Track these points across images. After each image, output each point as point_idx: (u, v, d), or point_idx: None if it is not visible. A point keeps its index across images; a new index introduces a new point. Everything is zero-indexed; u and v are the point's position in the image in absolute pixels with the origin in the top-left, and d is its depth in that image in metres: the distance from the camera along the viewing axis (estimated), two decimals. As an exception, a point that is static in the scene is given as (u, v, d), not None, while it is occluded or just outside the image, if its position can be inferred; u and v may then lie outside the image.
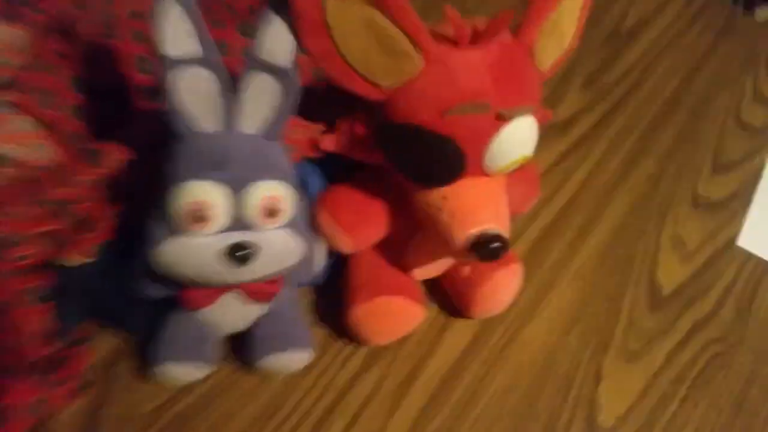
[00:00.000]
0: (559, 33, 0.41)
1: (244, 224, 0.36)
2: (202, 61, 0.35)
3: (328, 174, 0.46)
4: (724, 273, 0.58)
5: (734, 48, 0.74)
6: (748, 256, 0.59)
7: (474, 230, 0.39)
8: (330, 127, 0.43)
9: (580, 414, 0.49)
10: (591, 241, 0.57)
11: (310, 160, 0.45)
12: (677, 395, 0.51)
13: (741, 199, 0.63)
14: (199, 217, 0.35)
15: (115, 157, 0.42)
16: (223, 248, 0.36)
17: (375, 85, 0.38)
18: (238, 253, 0.36)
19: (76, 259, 0.43)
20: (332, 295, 0.48)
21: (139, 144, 0.43)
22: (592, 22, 0.72)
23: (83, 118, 0.44)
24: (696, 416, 0.50)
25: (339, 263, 0.49)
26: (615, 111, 0.66)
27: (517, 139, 0.39)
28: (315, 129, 0.44)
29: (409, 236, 0.46)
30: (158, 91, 0.35)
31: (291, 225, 0.38)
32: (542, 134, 0.62)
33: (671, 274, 0.57)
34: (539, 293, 0.54)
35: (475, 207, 0.40)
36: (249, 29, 0.49)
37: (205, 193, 0.35)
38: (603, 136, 0.64)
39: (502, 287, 0.49)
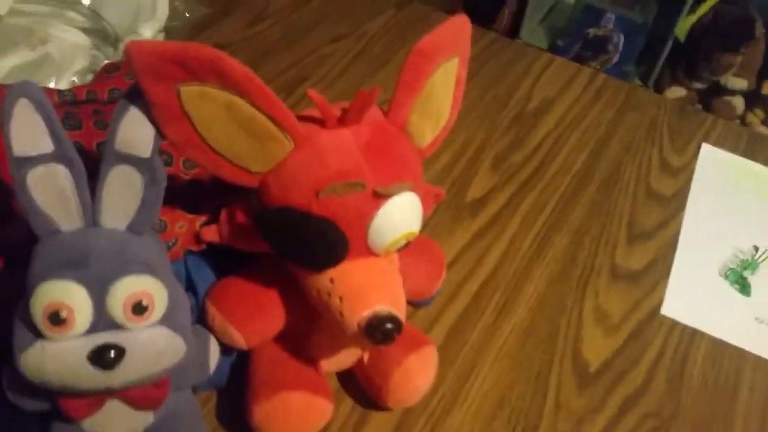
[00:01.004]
0: (433, 111, 0.41)
1: (111, 324, 0.34)
2: (54, 158, 0.34)
3: (220, 267, 0.44)
4: (651, 343, 0.56)
5: (637, 121, 0.76)
6: (674, 324, 0.58)
7: (365, 313, 0.37)
8: (213, 218, 0.42)
9: (512, 508, 0.45)
10: (511, 320, 0.55)
11: (198, 254, 0.43)
12: (615, 477, 0.48)
13: (660, 267, 0.62)
14: (57, 319, 0.32)
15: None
16: (86, 352, 0.33)
17: (245, 170, 0.37)
18: (103, 356, 0.33)
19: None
20: (237, 398, 0.45)
21: (14, 250, 0.41)
22: (497, 106, 0.75)
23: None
24: (637, 499, 0.47)
25: (242, 363, 0.46)
26: (525, 188, 0.66)
27: (399, 216, 0.38)
28: (197, 221, 0.42)
29: (310, 326, 0.43)
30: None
31: (167, 322, 0.36)
32: (454, 215, 0.63)
33: (597, 348, 0.55)
34: (461, 378, 0.51)
35: (364, 288, 0.38)
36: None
37: (61, 294, 0.33)
38: (515, 214, 0.63)
39: (415, 373, 0.46)
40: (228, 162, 0.36)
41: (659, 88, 1.36)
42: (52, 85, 0.55)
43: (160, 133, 0.35)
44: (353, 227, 0.37)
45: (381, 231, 0.37)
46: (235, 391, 0.46)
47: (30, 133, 0.33)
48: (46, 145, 0.34)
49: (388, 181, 0.37)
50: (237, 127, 0.35)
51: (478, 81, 0.77)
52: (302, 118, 0.37)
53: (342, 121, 0.37)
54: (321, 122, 0.37)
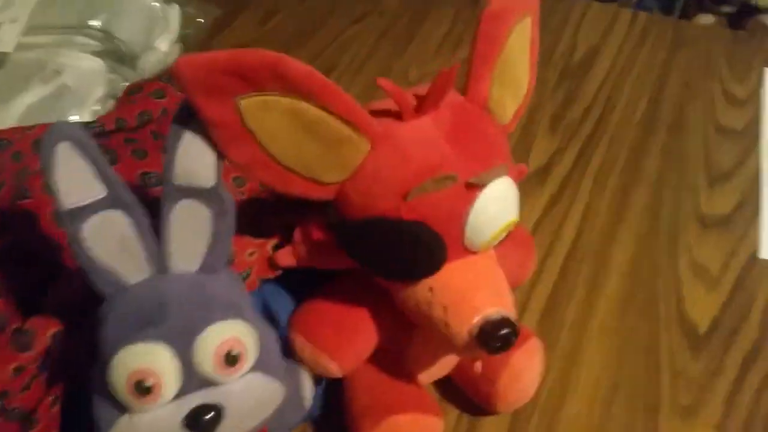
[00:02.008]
0: (512, 79, 0.36)
1: (201, 382, 0.30)
2: (108, 203, 0.29)
3: (296, 291, 0.40)
4: (758, 292, 0.52)
5: (691, 56, 0.71)
6: (778, 267, 0.53)
7: (475, 320, 0.33)
8: (284, 239, 0.38)
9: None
10: (605, 291, 0.51)
11: (272, 281, 0.39)
12: (754, 445, 0.43)
13: (749, 208, 0.57)
14: (144, 389, 0.28)
15: (47, 332, 0.36)
16: (180, 417, 0.29)
17: (318, 182, 0.32)
18: (200, 420, 0.29)
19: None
20: (335, 423, 0.41)
21: (72, 308, 0.37)
22: (541, 62, 0.69)
23: (3, 294, 0.38)
24: (783, 466, 0.42)
25: (333, 386, 0.42)
26: (590, 145, 0.61)
27: (497, 205, 0.33)
28: (268, 245, 0.38)
29: (406, 338, 0.39)
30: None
31: (260, 366, 0.32)
32: (521, 187, 0.57)
33: (702, 306, 0.50)
34: (566, 365, 0.47)
35: (469, 292, 0.33)
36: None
37: (144, 359, 0.29)
38: (586, 175, 0.59)
39: (523, 371, 0.42)
40: (299, 176, 0.32)
41: (687, 15, 1.28)
42: (75, 118, 0.51)
43: (221, 156, 0.31)
44: (449, 227, 0.32)
45: (480, 226, 0.33)
46: (327, 420, 0.42)
47: (78, 181, 0.29)
48: (98, 191, 0.30)
49: (480, 169, 0.33)
50: (305, 135, 0.31)
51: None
52: (374, 113, 0.33)
53: (419, 109, 0.33)
54: (395, 114, 0.33)
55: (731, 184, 0.59)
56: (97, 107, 0.53)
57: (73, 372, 0.36)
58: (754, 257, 0.54)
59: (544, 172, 0.59)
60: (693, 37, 0.73)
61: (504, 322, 0.33)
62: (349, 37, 0.71)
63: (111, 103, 0.54)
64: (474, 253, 0.34)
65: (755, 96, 0.67)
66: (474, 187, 0.32)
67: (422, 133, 0.32)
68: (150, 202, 0.31)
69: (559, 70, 0.68)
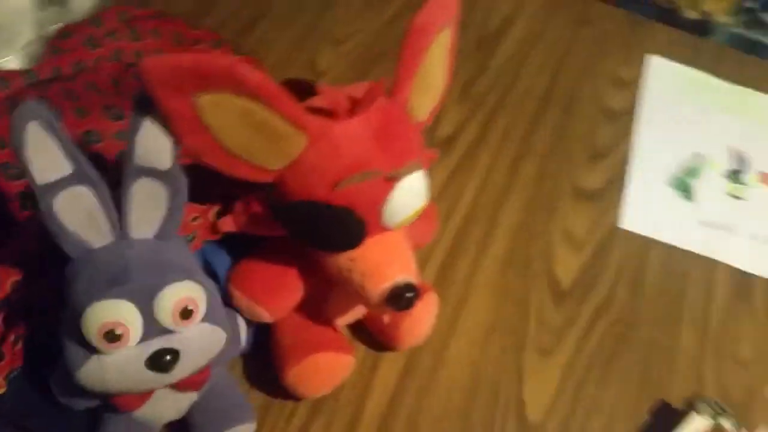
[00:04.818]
0: (431, 84, 0.42)
1: (161, 330, 0.36)
2: (75, 179, 0.34)
3: (233, 248, 0.46)
4: (612, 255, 0.62)
5: (593, 36, 0.79)
6: (631, 236, 0.64)
7: (386, 285, 0.40)
8: (226, 205, 0.43)
9: (511, 415, 0.52)
10: (491, 252, 0.60)
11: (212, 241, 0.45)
12: (592, 379, 0.55)
13: (616, 184, 0.68)
14: (112, 337, 0.34)
15: (8, 280, 0.40)
16: (143, 359, 0.35)
17: (262, 168, 0.38)
18: (160, 361, 0.35)
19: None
20: (262, 357, 0.49)
21: (28, 256, 0.41)
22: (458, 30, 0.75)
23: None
24: (611, 394, 0.54)
25: (262, 326, 0.49)
26: (493, 117, 0.69)
27: (410, 194, 0.40)
28: (211, 212, 0.43)
29: (326, 292, 0.47)
30: (33, 195, 0.33)
31: (208, 318, 0.38)
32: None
33: (567, 266, 0.61)
34: (455, 311, 0.56)
35: (383, 263, 0.41)
36: (117, 110, 0.47)
37: (112, 313, 0.34)
38: (486, 146, 0.67)
39: (421, 319, 0.50)
40: (245, 162, 0.37)
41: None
42: (8, 59, 0.52)
43: (177, 144, 0.35)
44: (369, 212, 0.39)
45: (395, 211, 0.40)
46: (256, 354, 0.49)
47: (47, 158, 0.33)
48: (65, 168, 0.34)
49: (398, 164, 0.39)
50: (253, 130, 0.36)
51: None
52: (312, 110, 0.38)
53: (351, 111, 0.38)
54: (331, 113, 0.38)
55: (605, 162, 0.69)
56: (29, 49, 0.53)
57: (33, 315, 0.40)
58: (614, 226, 0.65)
59: (451, 140, 0.66)
60: (596, 17, 0.81)
61: (408, 287, 0.40)
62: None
63: (42, 45, 0.54)
64: (389, 230, 0.41)
65: (639, 80, 0.77)
66: (392, 180, 0.39)
67: (353, 133, 0.38)
68: (96, 160, 0.35)
69: (475, 38, 0.74)
